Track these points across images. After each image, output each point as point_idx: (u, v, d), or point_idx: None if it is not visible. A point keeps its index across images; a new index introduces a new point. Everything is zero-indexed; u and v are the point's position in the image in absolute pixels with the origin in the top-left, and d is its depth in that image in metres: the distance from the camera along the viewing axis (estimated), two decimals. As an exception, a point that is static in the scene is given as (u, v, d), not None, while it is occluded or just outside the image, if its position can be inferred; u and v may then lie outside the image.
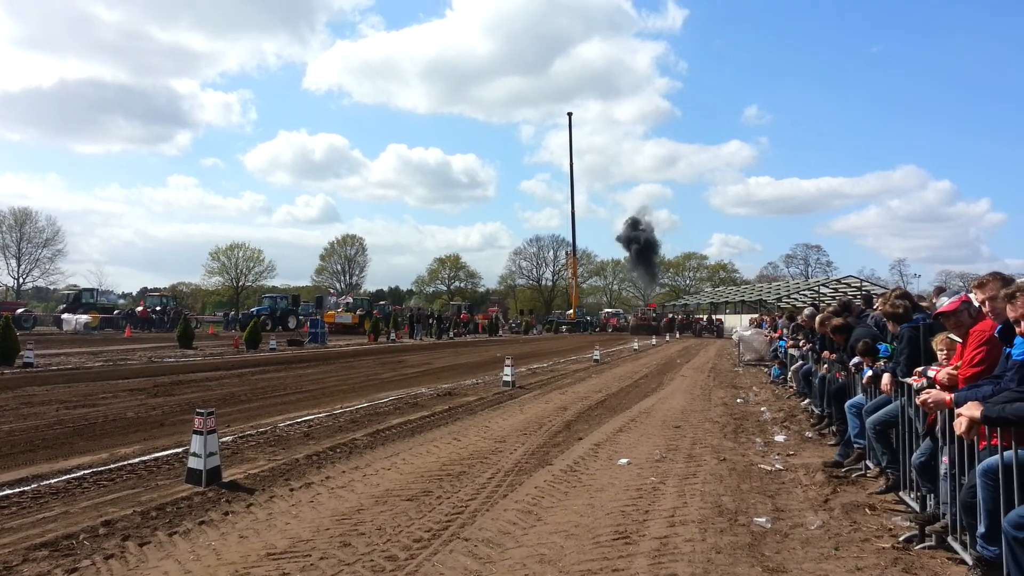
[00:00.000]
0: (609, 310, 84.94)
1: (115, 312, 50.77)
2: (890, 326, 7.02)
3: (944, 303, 5.27)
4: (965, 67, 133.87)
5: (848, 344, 8.47)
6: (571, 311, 78.85)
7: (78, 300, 49.67)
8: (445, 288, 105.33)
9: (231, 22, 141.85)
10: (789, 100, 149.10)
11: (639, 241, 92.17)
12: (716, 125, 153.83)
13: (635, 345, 35.84)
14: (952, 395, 4.57)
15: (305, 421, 10.33)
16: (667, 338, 52.89)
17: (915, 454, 5.18)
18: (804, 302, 47.83)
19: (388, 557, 4.71)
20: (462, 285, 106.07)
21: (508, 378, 15.59)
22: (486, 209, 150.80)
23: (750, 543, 5.06)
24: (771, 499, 6.30)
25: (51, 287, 78.28)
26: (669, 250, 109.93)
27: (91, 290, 54.48)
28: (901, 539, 5.07)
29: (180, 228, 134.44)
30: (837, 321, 9.19)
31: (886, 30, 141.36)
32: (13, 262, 76.21)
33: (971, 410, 4.02)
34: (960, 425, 4.09)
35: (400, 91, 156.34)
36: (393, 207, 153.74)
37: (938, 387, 5.03)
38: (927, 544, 4.92)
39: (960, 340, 5.19)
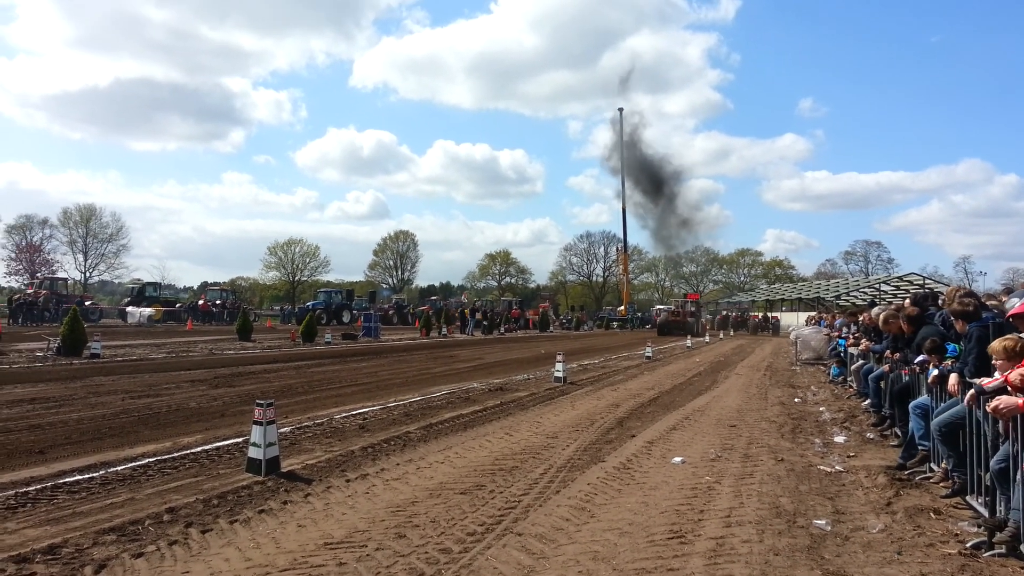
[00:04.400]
0: (660, 306, 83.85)
1: (177, 305, 52.31)
2: (958, 325, 6.78)
3: (1016, 304, 5.07)
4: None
5: (915, 340, 8.23)
6: (622, 307, 78.33)
7: (142, 294, 51.27)
8: (496, 284, 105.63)
9: (279, 20, 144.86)
10: (845, 92, 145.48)
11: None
12: (770, 118, 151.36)
13: (688, 343, 35.40)
14: (1025, 398, 4.40)
15: (360, 413, 10.48)
16: (721, 335, 52.13)
17: (993, 459, 4.99)
18: (864, 300, 46.66)
19: (442, 550, 4.74)
20: (513, 281, 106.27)
21: (559, 374, 15.55)
22: (535, 205, 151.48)
23: (809, 545, 4.95)
24: (831, 501, 6.15)
25: (116, 281, 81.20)
26: (722, 246, 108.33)
27: (154, 284, 56.27)
28: (968, 545, 4.89)
29: (236, 224, 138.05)
30: (911, 310, 8.92)
31: (946, 18, 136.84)
32: (80, 257, 79.31)
33: (1047, 413, 3.86)
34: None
35: (446, 87, 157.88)
36: (442, 203, 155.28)
37: (1010, 389, 4.85)
38: (997, 551, 4.74)
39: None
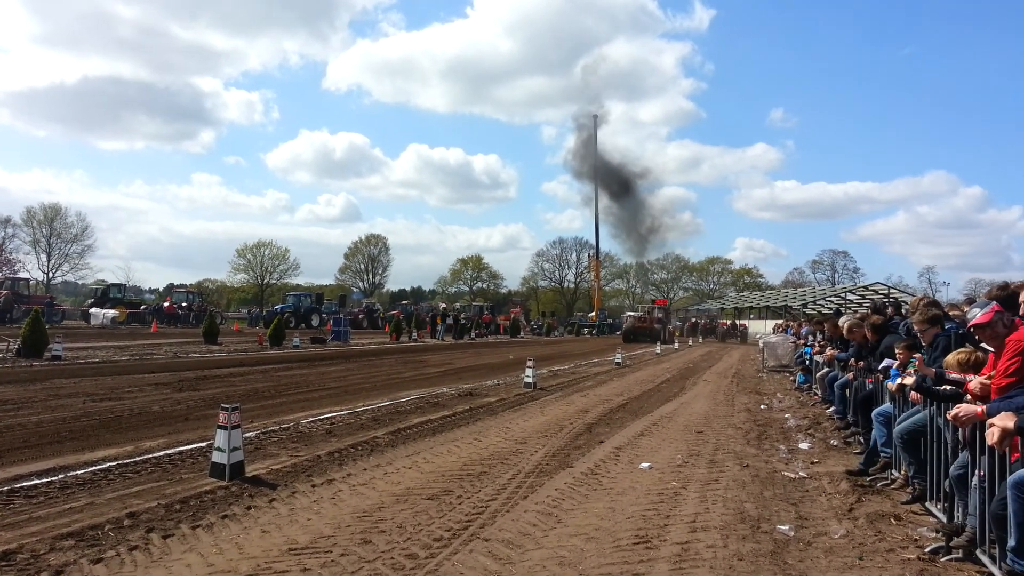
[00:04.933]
0: (631, 313, 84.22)
1: (142, 307, 51.48)
2: (927, 336, 6.90)
3: (977, 315, 5.18)
4: (997, 70, 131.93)
5: (878, 349, 8.36)
6: (593, 313, 78.61)
7: (106, 295, 50.40)
8: (467, 289, 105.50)
9: (252, 20, 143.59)
10: (816, 103, 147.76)
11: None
12: (741, 127, 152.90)
13: (658, 349, 35.65)
14: (984, 407, 4.49)
15: (327, 418, 10.39)
16: (690, 342, 52.55)
17: (952, 466, 5.10)
18: (830, 308, 47.32)
19: (408, 555, 4.72)
20: (484, 286, 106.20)
21: (529, 380, 15.56)
22: (508, 210, 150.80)
23: (772, 551, 5.00)
24: (794, 507, 6.23)
25: (80, 282, 79.68)
26: (693, 254, 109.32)
27: (119, 285, 55.33)
28: (927, 550, 4.98)
29: (204, 225, 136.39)
30: (876, 318, 9.08)
31: (916, 32, 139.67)
32: (44, 257, 77.70)
33: (1004, 420, 3.95)
34: (992, 436, 4.02)
35: (420, 90, 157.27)
36: (414, 207, 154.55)
37: (969, 397, 4.95)
38: (954, 556, 4.83)
39: (992, 350, 5.10)
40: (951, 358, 5.58)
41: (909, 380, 6.00)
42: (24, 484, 6.18)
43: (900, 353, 7.28)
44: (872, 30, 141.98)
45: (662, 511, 5.99)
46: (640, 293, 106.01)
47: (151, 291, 76.79)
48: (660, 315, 57.98)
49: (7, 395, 11.49)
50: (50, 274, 78.18)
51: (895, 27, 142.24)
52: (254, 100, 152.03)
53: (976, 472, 4.56)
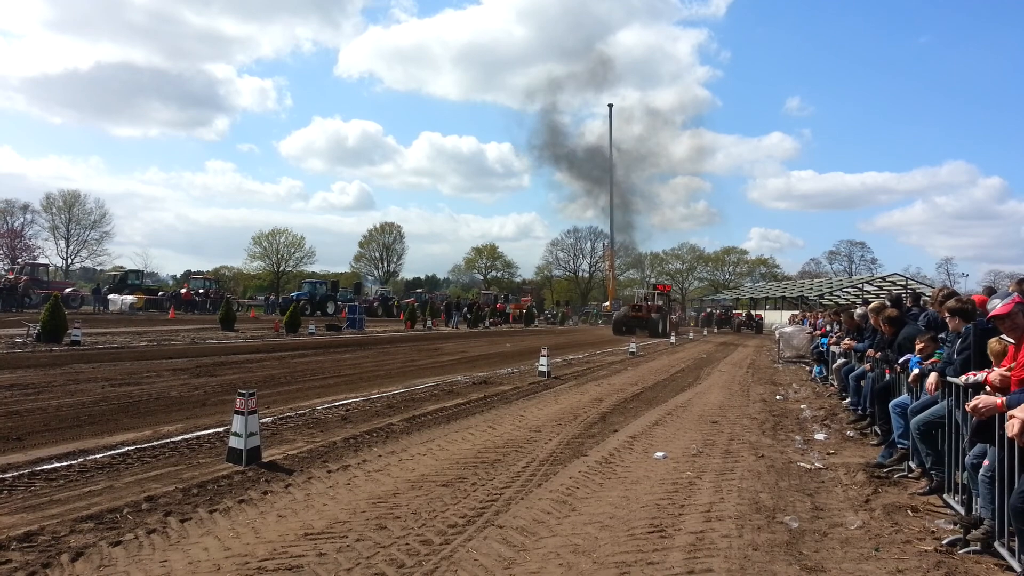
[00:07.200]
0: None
1: (159, 293, 51.90)
2: (952, 323, 6.79)
3: (996, 305, 5.11)
4: (1017, 58, 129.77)
5: (895, 341, 8.29)
6: (607, 303, 78.43)
7: (124, 281, 50.81)
8: (482, 277, 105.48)
9: (264, 6, 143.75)
10: (833, 91, 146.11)
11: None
12: (757, 116, 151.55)
13: (672, 339, 35.55)
14: (1003, 399, 4.44)
15: (343, 405, 10.44)
16: (704, 332, 52.32)
17: (968, 456, 5.05)
18: (847, 299, 46.95)
19: (423, 541, 4.74)
20: (499, 275, 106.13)
21: (543, 368, 15.57)
22: (521, 199, 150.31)
23: (788, 541, 4.98)
24: (810, 497, 6.20)
25: (98, 268, 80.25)
26: (707, 244, 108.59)
27: (137, 272, 55.78)
28: (944, 542, 4.95)
29: (220, 212, 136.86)
30: (891, 312, 8.99)
31: (934, 20, 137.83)
32: (62, 243, 78.40)
33: (1024, 412, 3.90)
34: (1012, 427, 3.98)
35: (432, 78, 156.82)
36: (427, 195, 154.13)
37: (989, 388, 4.90)
38: (972, 548, 4.80)
39: (1013, 342, 5.04)
40: (993, 343, 5.44)
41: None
42: (45, 467, 6.26)
43: (923, 345, 7.20)
44: (889, 18, 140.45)
45: (677, 500, 5.99)
46: (654, 282, 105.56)
47: (169, 277, 77.48)
48: (660, 303, 48.51)
49: (28, 379, 11.64)
50: (68, 260, 78.94)
51: (912, 15, 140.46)
52: (267, 87, 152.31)
53: (997, 464, 4.52)
